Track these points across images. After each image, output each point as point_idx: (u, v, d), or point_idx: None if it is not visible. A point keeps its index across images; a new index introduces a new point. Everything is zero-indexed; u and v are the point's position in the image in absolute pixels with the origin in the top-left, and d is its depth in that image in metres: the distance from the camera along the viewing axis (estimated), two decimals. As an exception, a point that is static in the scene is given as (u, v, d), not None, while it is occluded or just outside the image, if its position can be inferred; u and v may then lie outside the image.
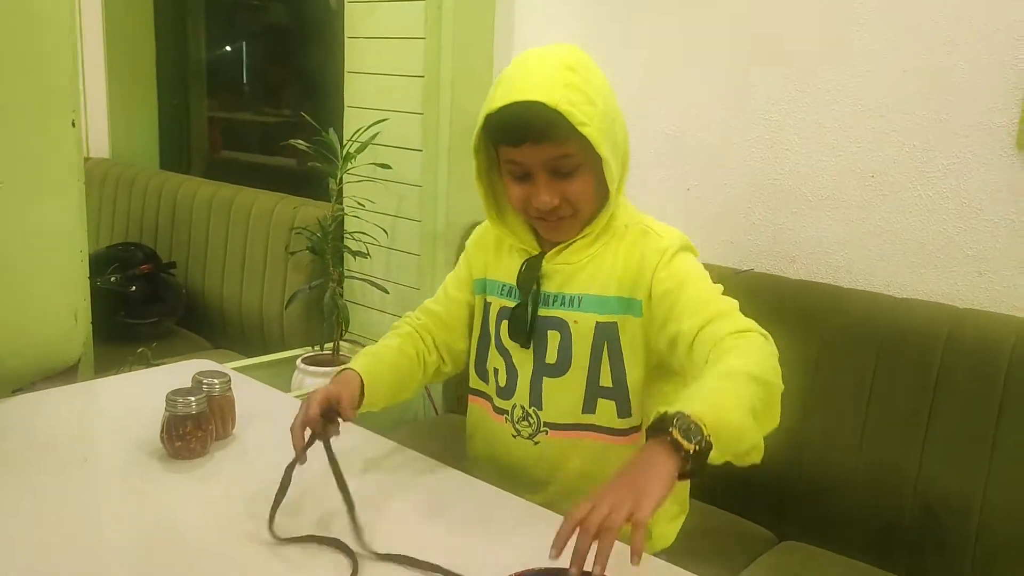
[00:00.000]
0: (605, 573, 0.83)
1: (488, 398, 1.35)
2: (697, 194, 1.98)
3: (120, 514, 1.14)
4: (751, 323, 1.12)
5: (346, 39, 2.47)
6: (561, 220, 1.21)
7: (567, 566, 0.85)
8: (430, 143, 2.29)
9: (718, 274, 1.82)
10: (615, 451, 1.25)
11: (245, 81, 3.74)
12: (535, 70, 1.14)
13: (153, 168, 3.66)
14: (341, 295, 2.43)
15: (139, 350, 2.24)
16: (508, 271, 1.30)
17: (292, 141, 2.35)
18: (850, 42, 1.72)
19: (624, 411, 1.24)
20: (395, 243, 2.45)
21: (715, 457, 0.93)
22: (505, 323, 1.29)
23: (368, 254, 2.43)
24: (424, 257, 2.37)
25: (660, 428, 0.92)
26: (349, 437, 1.38)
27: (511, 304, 1.28)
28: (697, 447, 0.90)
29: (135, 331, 2.75)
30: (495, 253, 1.33)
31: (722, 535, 1.74)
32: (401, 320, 1.42)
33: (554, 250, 1.25)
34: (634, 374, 1.23)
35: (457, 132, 2.28)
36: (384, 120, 2.34)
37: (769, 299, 1.76)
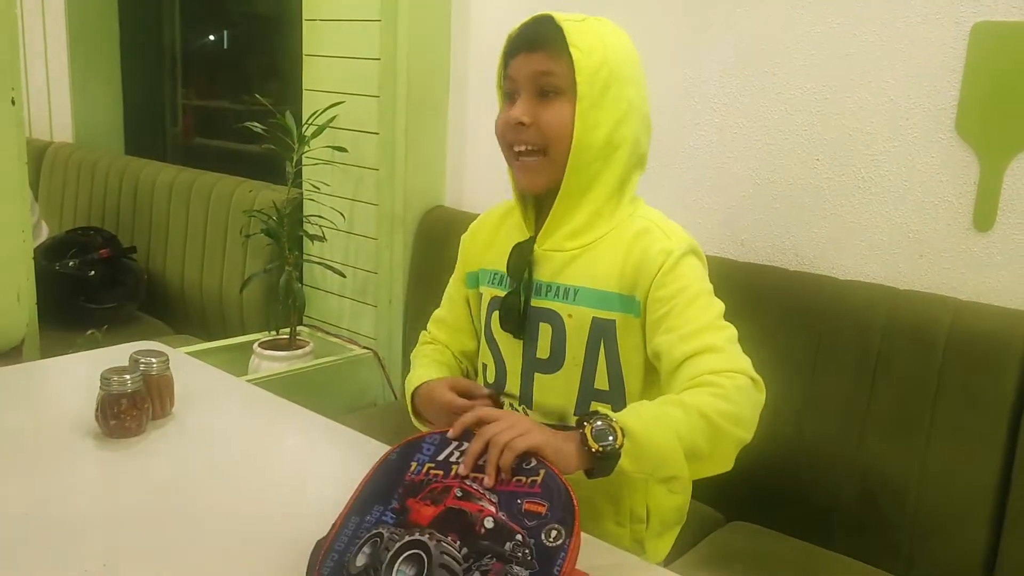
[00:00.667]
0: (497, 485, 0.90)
1: None
2: (648, 177, 1.97)
3: (51, 492, 1.13)
4: (743, 364, 1.07)
5: (304, 21, 2.46)
6: (533, 161, 1.15)
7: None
8: (387, 126, 2.28)
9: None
10: None
11: (218, 66, 3.71)
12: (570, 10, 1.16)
13: (117, 153, 3.63)
14: (298, 279, 2.42)
15: (88, 333, 2.23)
16: (499, 258, 1.23)
17: (247, 124, 2.34)
18: (794, 26, 1.73)
19: None
20: (353, 227, 2.45)
21: (629, 470, 0.96)
22: (496, 313, 1.22)
23: (325, 238, 2.42)
24: (382, 241, 2.36)
25: (581, 422, 0.96)
26: (296, 424, 1.39)
27: (501, 293, 1.22)
28: (602, 451, 0.94)
29: (95, 316, 2.73)
30: (487, 243, 1.28)
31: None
32: (419, 342, 1.37)
33: (544, 231, 1.18)
34: (632, 378, 1.17)
35: (414, 115, 2.27)
36: (340, 103, 2.33)
37: (717, 282, 1.76)
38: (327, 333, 2.58)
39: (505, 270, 1.21)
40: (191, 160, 3.50)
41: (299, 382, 2.32)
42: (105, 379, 1.24)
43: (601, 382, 1.17)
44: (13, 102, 1.54)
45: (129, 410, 1.25)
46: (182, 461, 1.23)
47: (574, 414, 1.16)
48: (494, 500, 0.89)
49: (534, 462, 0.92)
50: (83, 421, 1.28)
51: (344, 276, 2.44)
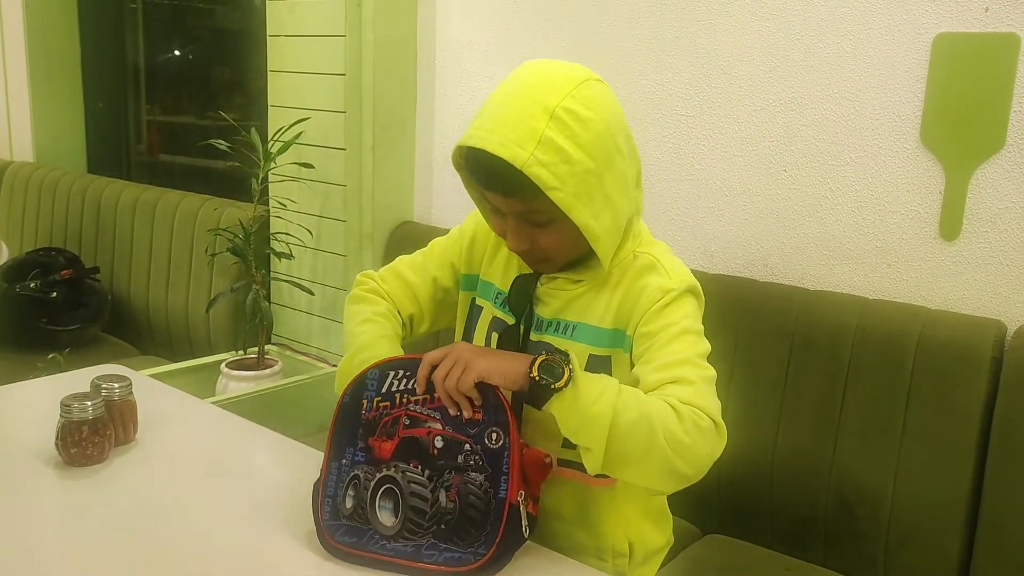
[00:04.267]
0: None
1: None
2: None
3: (10, 523, 1.10)
4: (712, 405, 1.03)
5: (268, 37, 2.43)
6: (535, 262, 1.15)
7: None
8: (353, 142, 2.26)
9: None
10: (595, 495, 1.19)
11: (182, 82, 3.67)
12: (513, 110, 1.03)
13: (79, 171, 3.57)
14: (265, 297, 2.39)
15: (50, 356, 2.18)
16: (504, 277, 1.21)
17: (212, 141, 2.31)
18: (760, 38, 1.74)
19: None
20: (320, 244, 2.42)
21: (554, 412, 1.00)
22: (496, 336, 1.20)
23: (292, 255, 2.39)
24: (350, 258, 2.34)
25: (539, 350, 1.05)
26: (263, 447, 1.36)
27: (504, 316, 1.20)
28: (542, 381, 0.99)
29: (58, 338, 2.68)
30: (494, 251, 1.24)
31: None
32: (365, 287, 1.30)
33: (551, 274, 1.17)
34: None
35: (380, 130, 2.26)
36: (307, 119, 2.31)
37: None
38: (296, 351, 2.54)
39: (507, 292, 1.20)
40: (155, 177, 3.46)
41: (268, 401, 2.28)
42: (65, 406, 1.21)
43: None
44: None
45: (91, 437, 1.22)
46: (146, 489, 1.20)
47: (561, 446, 1.12)
48: (438, 417, 1.04)
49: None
50: (43, 449, 1.25)
51: (312, 294, 2.42)
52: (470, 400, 1.03)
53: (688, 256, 1.86)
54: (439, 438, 1.03)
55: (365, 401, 1.08)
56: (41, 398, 1.46)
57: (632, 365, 1.12)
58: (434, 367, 1.04)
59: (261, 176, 2.32)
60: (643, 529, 1.24)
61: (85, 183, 3.18)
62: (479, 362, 1.01)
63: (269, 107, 2.47)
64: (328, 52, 2.26)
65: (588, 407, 0.98)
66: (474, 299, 1.26)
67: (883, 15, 1.59)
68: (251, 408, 2.10)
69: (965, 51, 1.53)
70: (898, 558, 1.54)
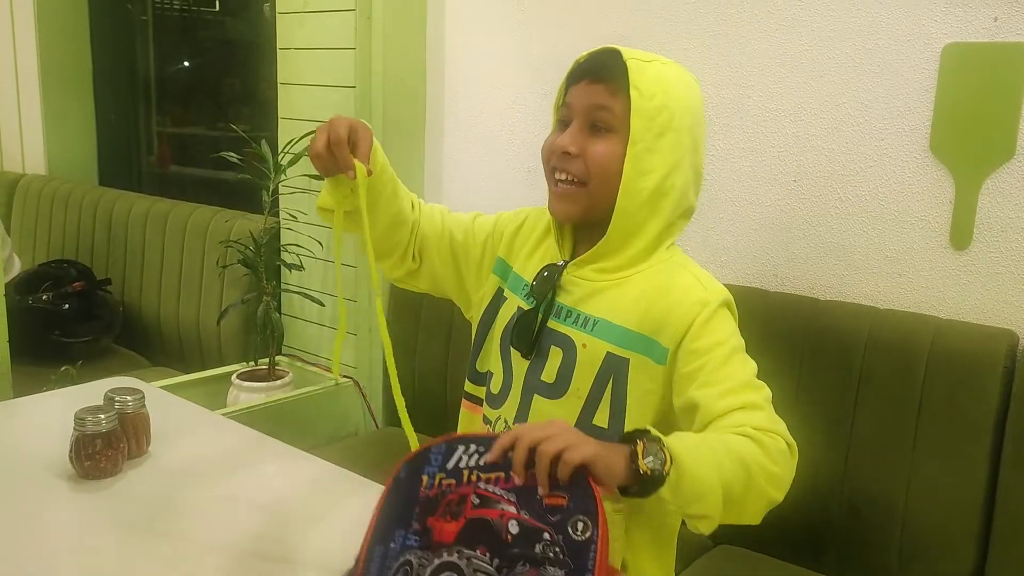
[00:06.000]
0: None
1: (480, 403, 1.25)
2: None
3: (25, 535, 1.10)
4: (782, 427, 1.04)
5: (278, 50, 2.45)
6: (570, 188, 1.13)
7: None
8: (363, 154, 2.27)
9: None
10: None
11: (192, 94, 3.69)
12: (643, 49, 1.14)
13: (90, 184, 3.60)
14: (276, 309, 2.40)
15: (62, 369, 2.19)
16: (532, 271, 1.20)
17: (223, 154, 2.32)
18: (770, 48, 1.74)
19: None
20: (331, 255, 2.43)
21: (666, 497, 0.92)
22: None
23: (303, 267, 2.40)
24: (361, 269, 2.34)
25: (632, 437, 0.92)
26: (275, 459, 1.37)
27: (527, 306, 1.19)
28: (650, 473, 0.89)
29: (70, 349, 2.69)
30: (533, 249, 1.23)
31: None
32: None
33: (577, 260, 1.16)
34: (634, 421, 1.11)
35: (390, 142, 2.26)
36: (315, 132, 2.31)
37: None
38: (306, 363, 2.55)
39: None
40: (166, 189, 3.47)
41: (279, 413, 2.29)
42: (79, 419, 1.22)
43: (601, 419, 1.13)
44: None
45: (104, 450, 1.23)
46: (159, 501, 1.21)
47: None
48: (512, 499, 0.87)
49: None
50: (57, 462, 1.25)
51: (323, 305, 2.42)
52: (555, 483, 0.88)
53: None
54: (514, 523, 0.86)
55: (426, 477, 0.92)
56: (55, 411, 1.47)
57: (666, 378, 1.10)
58: (519, 439, 0.90)
59: (272, 188, 2.34)
60: (641, 552, 1.19)
61: (96, 195, 3.20)
62: (587, 448, 0.88)
63: (279, 119, 2.48)
64: (338, 65, 2.28)
65: (697, 482, 0.93)
66: (501, 288, 1.25)
67: (892, 25, 1.60)
68: (262, 419, 2.10)
69: (974, 61, 1.53)
70: (911, 569, 1.53)
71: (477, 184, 2.28)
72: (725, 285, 1.78)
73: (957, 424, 1.48)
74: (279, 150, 2.35)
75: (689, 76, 1.15)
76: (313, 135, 1.11)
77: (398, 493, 0.93)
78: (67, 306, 2.78)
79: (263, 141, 2.34)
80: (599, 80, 1.10)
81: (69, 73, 3.60)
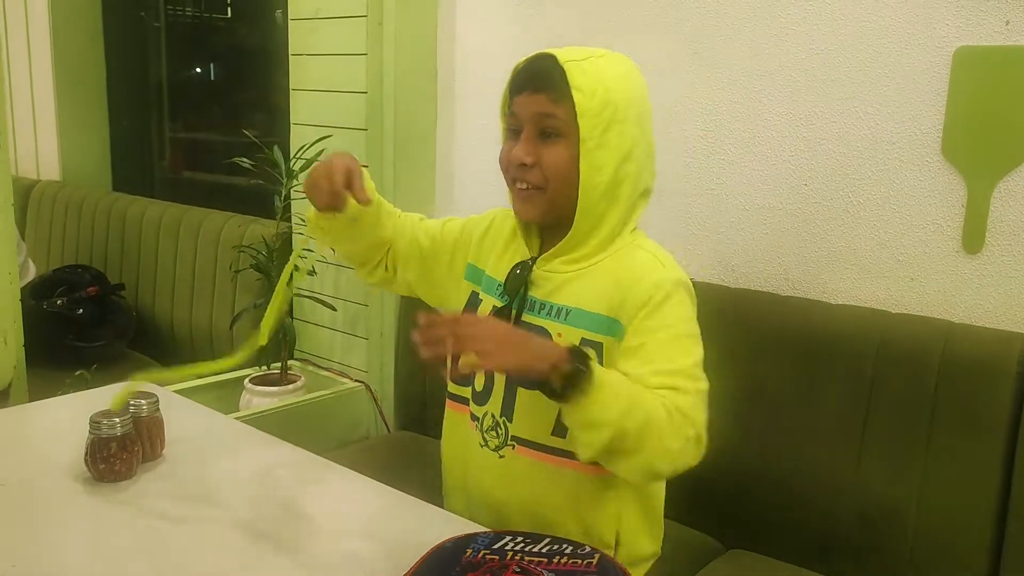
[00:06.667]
0: None
1: (467, 403, 1.29)
2: (638, 205, 1.99)
3: (40, 539, 1.11)
4: (701, 419, 1.08)
5: (290, 56, 2.46)
6: (530, 192, 1.19)
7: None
8: (375, 158, 2.28)
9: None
10: (586, 484, 1.21)
11: (207, 101, 3.71)
12: (579, 46, 1.18)
13: (105, 190, 3.62)
14: (288, 313, 2.41)
15: (77, 373, 2.20)
16: (504, 272, 1.26)
17: (236, 159, 2.34)
18: (780, 53, 1.74)
19: None
20: (343, 260, 2.44)
21: (565, 412, 1.04)
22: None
23: (315, 272, 2.41)
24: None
25: (572, 353, 1.01)
26: (289, 463, 1.37)
27: (501, 304, 1.24)
28: (557, 391, 1.00)
29: (84, 354, 2.71)
30: (503, 251, 1.29)
31: (670, 544, 1.73)
32: None
33: (545, 255, 1.22)
34: None
35: (401, 147, 2.28)
36: (328, 137, 2.33)
37: (708, 309, 1.75)
38: (318, 367, 2.56)
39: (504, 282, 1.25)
40: (179, 194, 3.49)
41: (291, 417, 2.30)
42: (94, 423, 1.23)
43: None
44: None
45: (119, 453, 1.24)
46: (174, 504, 1.21)
47: (551, 433, 1.18)
48: None
49: (588, 548, 0.97)
50: (72, 465, 1.26)
51: (335, 309, 2.43)
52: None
53: (709, 271, 1.88)
54: None
55: (470, 550, 0.99)
56: (70, 415, 1.48)
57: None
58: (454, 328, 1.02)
59: (284, 193, 2.35)
60: (633, 528, 1.26)
61: (110, 201, 3.23)
62: (500, 361, 1.01)
63: (291, 125, 2.49)
64: (350, 70, 2.29)
65: (598, 415, 1.02)
66: (476, 292, 1.30)
67: (903, 29, 1.60)
68: (274, 423, 2.11)
69: (986, 64, 1.53)
70: (925, 573, 1.52)
71: (489, 188, 2.28)
72: (736, 289, 1.81)
73: (970, 429, 1.47)
74: (291, 155, 2.36)
75: (626, 63, 1.20)
76: (312, 169, 1.18)
77: (440, 557, 0.98)
78: (81, 311, 2.80)
79: (275, 147, 2.35)
80: (540, 90, 1.15)
81: (83, 80, 3.63)
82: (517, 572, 0.93)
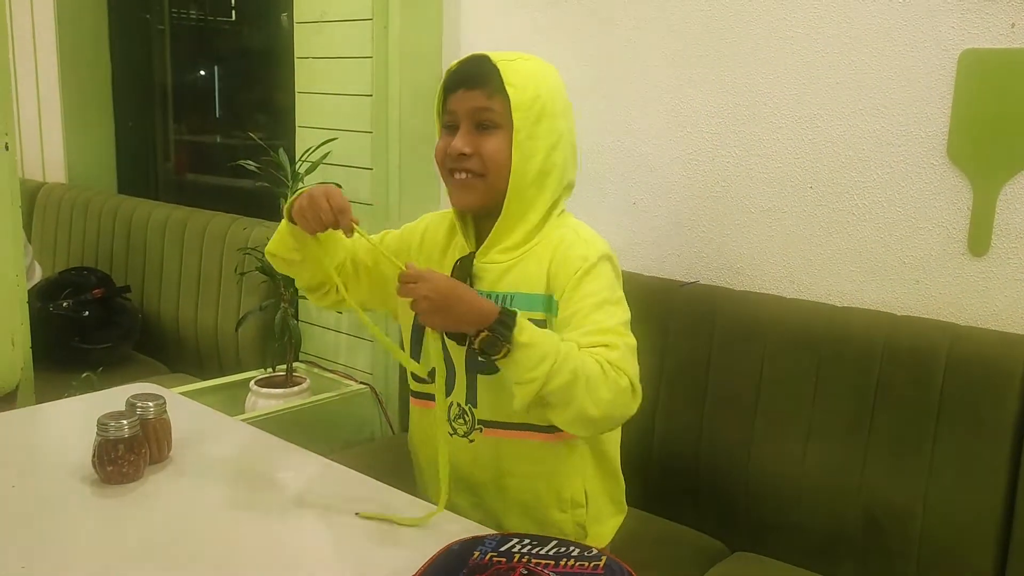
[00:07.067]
0: None
1: (431, 398, 1.33)
2: (643, 208, 1.99)
3: (48, 541, 1.11)
4: (632, 369, 1.19)
5: (296, 59, 2.47)
6: (469, 180, 1.27)
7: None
8: (380, 161, 2.29)
9: (664, 287, 1.85)
10: (551, 449, 1.30)
11: (212, 103, 3.72)
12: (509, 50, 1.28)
13: (110, 192, 3.63)
14: (294, 316, 2.41)
15: (83, 375, 2.21)
16: (446, 270, 1.32)
17: (241, 162, 2.34)
18: (784, 55, 1.75)
19: None
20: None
21: (502, 368, 1.15)
22: None
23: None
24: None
25: (499, 317, 1.13)
26: (295, 465, 1.38)
27: None
28: (480, 351, 1.13)
29: (90, 356, 2.71)
30: (442, 253, 1.36)
31: (674, 546, 1.74)
32: None
33: (483, 248, 1.30)
34: None
35: (407, 150, 2.28)
36: (333, 139, 2.33)
37: (714, 311, 1.77)
38: (324, 369, 2.56)
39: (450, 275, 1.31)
40: (185, 196, 3.50)
41: (296, 419, 2.30)
42: (102, 425, 1.23)
43: None
44: (7, 147, 1.54)
45: (126, 455, 1.24)
46: (181, 506, 1.22)
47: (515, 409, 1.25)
48: None
49: (595, 550, 1.00)
50: (80, 468, 1.27)
51: (340, 312, 2.43)
52: None
53: (713, 273, 1.88)
54: None
55: (477, 552, 1.02)
56: (77, 417, 1.49)
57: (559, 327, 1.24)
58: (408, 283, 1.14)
59: (289, 196, 2.35)
60: (598, 484, 1.36)
61: (116, 203, 3.23)
62: (434, 319, 1.16)
63: (296, 127, 2.50)
64: (355, 73, 2.29)
65: (524, 373, 1.12)
66: None
67: (909, 31, 1.60)
68: (280, 425, 2.11)
69: (991, 67, 1.53)
70: (931, 575, 1.52)
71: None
72: (741, 292, 1.81)
73: (975, 431, 1.47)
74: (296, 158, 2.37)
75: (549, 66, 1.31)
76: (308, 196, 1.23)
77: (447, 559, 1.00)
78: (87, 313, 2.80)
79: (280, 149, 2.35)
80: (476, 86, 1.25)
81: (88, 83, 3.64)
82: (524, 574, 0.95)
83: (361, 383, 2.46)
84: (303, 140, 2.44)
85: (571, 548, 1.01)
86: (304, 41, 2.43)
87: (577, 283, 1.23)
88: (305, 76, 2.45)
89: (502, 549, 1.01)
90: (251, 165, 2.32)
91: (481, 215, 1.33)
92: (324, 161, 2.33)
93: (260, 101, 3.39)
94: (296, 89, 2.48)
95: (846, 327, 1.62)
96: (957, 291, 1.60)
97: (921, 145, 1.60)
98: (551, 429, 1.26)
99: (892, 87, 1.62)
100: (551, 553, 1.00)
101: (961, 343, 1.50)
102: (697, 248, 1.91)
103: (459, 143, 1.26)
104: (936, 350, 1.51)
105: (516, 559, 0.99)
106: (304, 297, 2.50)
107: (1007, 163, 1.53)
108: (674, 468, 1.80)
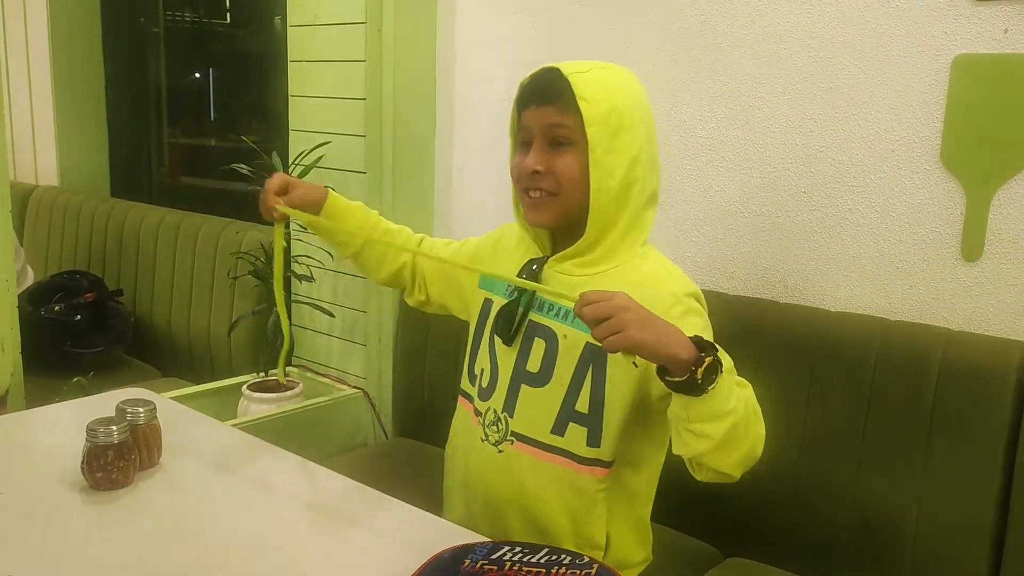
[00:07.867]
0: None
1: (471, 399, 1.33)
2: (637, 212, 1.99)
3: (36, 547, 1.11)
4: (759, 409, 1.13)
5: (289, 63, 2.46)
6: (542, 198, 1.22)
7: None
8: (374, 165, 2.28)
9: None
10: (580, 482, 1.24)
11: (205, 107, 3.71)
12: (583, 60, 1.23)
13: (103, 195, 3.62)
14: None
15: (74, 379, 2.20)
16: (514, 273, 1.30)
17: (234, 166, 2.33)
18: (778, 61, 1.75)
19: (594, 440, 1.22)
20: (341, 266, 2.44)
21: (692, 402, 1.01)
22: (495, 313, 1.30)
23: (313, 278, 2.41)
24: (369, 280, 2.35)
25: (703, 345, 1.01)
26: (287, 471, 1.37)
27: (507, 301, 1.29)
28: (698, 384, 0.99)
29: (82, 360, 2.71)
30: (510, 255, 1.34)
31: (668, 552, 1.73)
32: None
33: (558, 256, 1.26)
34: (613, 406, 1.20)
35: (400, 154, 2.27)
36: (327, 143, 2.33)
37: (709, 316, 1.76)
38: (317, 373, 2.56)
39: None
40: (178, 199, 3.49)
41: (289, 423, 2.29)
42: (91, 430, 1.22)
43: (582, 405, 1.21)
44: (-4, 151, 1.53)
45: (116, 461, 1.23)
46: (171, 513, 1.21)
47: (550, 431, 1.23)
48: None
49: (587, 558, 1.00)
50: (69, 473, 1.26)
51: (333, 316, 2.43)
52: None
53: (708, 277, 1.88)
54: None
55: (468, 560, 1.02)
56: (67, 422, 1.48)
57: (641, 374, 1.16)
58: (589, 305, 1.01)
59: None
60: (624, 531, 1.29)
61: (108, 207, 3.22)
62: (644, 334, 0.98)
63: (290, 131, 2.49)
64: (348, 77, 2.29)
65: (723, 404, 1.03)
66: (488, 298, 1.34)
67: (902, 37, 1.60)
68: (272, 430, 2.11)
69: (984, 72, 1.53)
70: (924, 582, 1.52)
71: (487, 195, 2.28)
72: (734, 296, 1.81)
73: (969, 437, 1.47)
74: (290, 162, 2.36)
75: (627, 73, 1.25)
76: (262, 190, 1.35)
77: (438, 567, 1.00)
78: (79, 317, 2.79)
79: (274, 153, 2.35)
80: (548, 102, 1.20)
81: (81, 85, 3.63)
82: None
83: (354, 387, 2.45)
84: (296, 144, 2.44)
85: (562, 556, 1.01)
86: (297, 45, 2.43)
87: (678, 320, 1.12)
88: (298, 80, 2.45)
89: (493, 557, 1.01)
90: (244, 168, 2.31)
91: (557, 228, 1.28)
92: (317, 165, 2.32)
93: (254, 104, 3.38)
94: (289, 93, 2.48)
95: (839, 332, 1.62)
96: (950, 296, 1.60)
97: (914, 150, 1.60)
98: (582, 459, 1.22)
99: (886, 92, 1.62)
100: (542, 561, 0.99)
101: (954, 348, 1.50)
102: (689, 253, 1.91)
103: (531, 161, 1.21)
104: (929, 355, 1.51)
105: (507, 567, 0.99)
106: (297, 301, 2.50)
107: (1000, 168, 1.53)
108: (666, 473, 1.80)
